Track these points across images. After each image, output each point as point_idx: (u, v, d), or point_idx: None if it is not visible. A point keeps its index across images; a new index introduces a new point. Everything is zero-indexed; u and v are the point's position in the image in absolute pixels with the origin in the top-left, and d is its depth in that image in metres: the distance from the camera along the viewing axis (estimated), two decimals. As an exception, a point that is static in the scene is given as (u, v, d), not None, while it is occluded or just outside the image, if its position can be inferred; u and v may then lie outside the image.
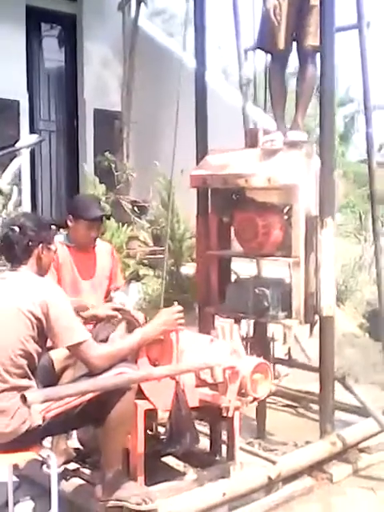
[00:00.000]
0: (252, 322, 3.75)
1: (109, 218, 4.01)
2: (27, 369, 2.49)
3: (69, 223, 3.55)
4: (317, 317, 3.50)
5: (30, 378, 2.51)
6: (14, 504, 2.91)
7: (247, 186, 3.56)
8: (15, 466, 2.98)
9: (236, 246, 3.85)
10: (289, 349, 3.95)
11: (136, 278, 5.36)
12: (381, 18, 11.92)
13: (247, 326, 3.77)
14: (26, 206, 6.07)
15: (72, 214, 3.53)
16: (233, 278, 4.01)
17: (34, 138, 5.62)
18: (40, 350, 2.52)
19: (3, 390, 2.45)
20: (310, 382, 4.14)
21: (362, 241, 8.44)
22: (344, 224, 9.36)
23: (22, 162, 5.50)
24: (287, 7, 3.61)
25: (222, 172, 3.63)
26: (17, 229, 2.58)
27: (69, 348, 2.54)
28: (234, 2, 4.39)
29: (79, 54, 6.99)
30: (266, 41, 3.75)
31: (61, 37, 7.08)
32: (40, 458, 3.02)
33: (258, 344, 3.65)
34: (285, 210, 3.61)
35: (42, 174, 6.72)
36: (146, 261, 5.90)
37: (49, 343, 2.57)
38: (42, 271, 2.65)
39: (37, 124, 6.74)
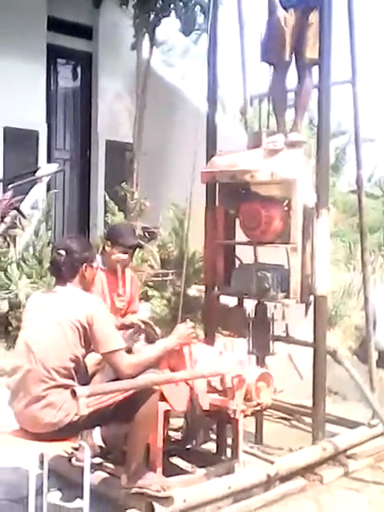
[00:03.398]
0: (254, 304, 4.08)
1: (141, 247, 4.47)
2: (73, 371, 2.89)
3: (106, 248, 3.93)
4: (311, 297, 3.86)
5: (73, 379, 2.90)
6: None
7: (252, 181, 3.92)
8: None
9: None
10: (286, 326, 4.20)
11: (144, 298, 5.79)
12: (371, 74, 12.97)
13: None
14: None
15: (110, 240, 3.92)
16: (237, 263, 4.32)
17: (54, 167, 6.04)
18: (85, 352, 2.94)
19: (52, 387, 2.85)
20: (302, 399, 4.51)
21: (351, 269, 8.89)
22: (334, 253, 9.77)
23: (41, 189, 5.92)
24: (290, 23, 4.02)
25: (229, 169, 3.99)
26: (63, 252, 3.00)
27: (104, 355, 2.95)
28: (242, 51, 4.84)
29: (94, 89, 7.43)
30: (271, 54, 4.13)
31: (77, 72, 7.55)
32: (66, 454, 3.45)
33: (260, 323, 4.00)
34: (285, 202, 4.00)
35: (55, 200, 7.10)
36: (151, 283, 6.33)
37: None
38: (85, 286, 3.07)
39: (53, 153, 7.13)
